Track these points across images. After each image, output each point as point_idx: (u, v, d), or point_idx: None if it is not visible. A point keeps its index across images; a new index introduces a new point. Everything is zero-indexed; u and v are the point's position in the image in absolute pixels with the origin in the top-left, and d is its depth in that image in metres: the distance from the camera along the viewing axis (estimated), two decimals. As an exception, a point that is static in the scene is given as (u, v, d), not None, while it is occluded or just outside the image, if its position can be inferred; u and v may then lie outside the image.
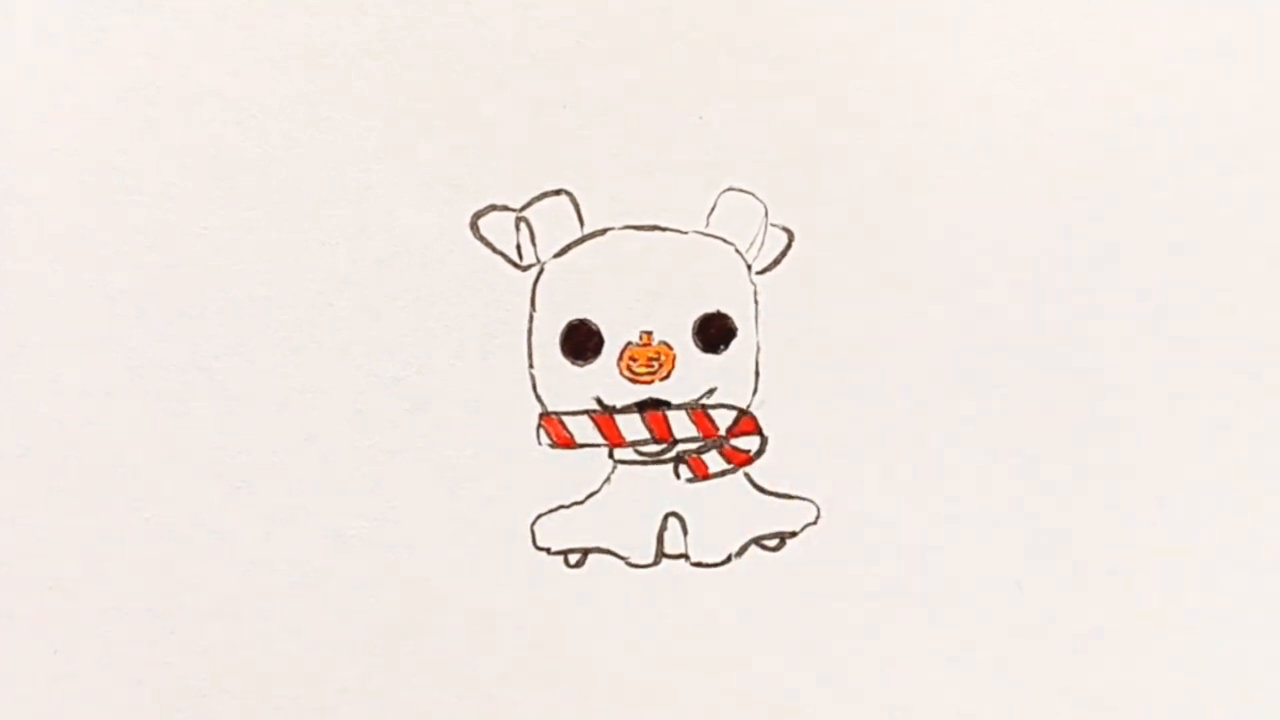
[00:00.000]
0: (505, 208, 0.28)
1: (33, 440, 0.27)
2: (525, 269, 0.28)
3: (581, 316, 0.28)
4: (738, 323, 0.28)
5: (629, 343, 0.28)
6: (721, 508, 0.28)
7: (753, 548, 0.28)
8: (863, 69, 0.28)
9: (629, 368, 0.28)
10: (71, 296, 0.27)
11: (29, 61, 0.27)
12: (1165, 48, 0.29)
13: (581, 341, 0.28)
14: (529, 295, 0.28)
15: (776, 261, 0.28)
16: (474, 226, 0.28)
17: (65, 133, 0.27)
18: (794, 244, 0.28)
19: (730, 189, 0.28)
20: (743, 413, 0.28)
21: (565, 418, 0.28)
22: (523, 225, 0.28)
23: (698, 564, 0.28)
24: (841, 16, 0.28)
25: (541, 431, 0.28)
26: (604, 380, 0.28)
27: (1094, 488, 0.29)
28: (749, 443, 0.29)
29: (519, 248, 0.28)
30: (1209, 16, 0.29)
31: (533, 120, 0.28)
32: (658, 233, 0.28)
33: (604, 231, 0.28)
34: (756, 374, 0.29)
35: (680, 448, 0.28)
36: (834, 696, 0.28)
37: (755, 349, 0.29)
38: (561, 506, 0.28)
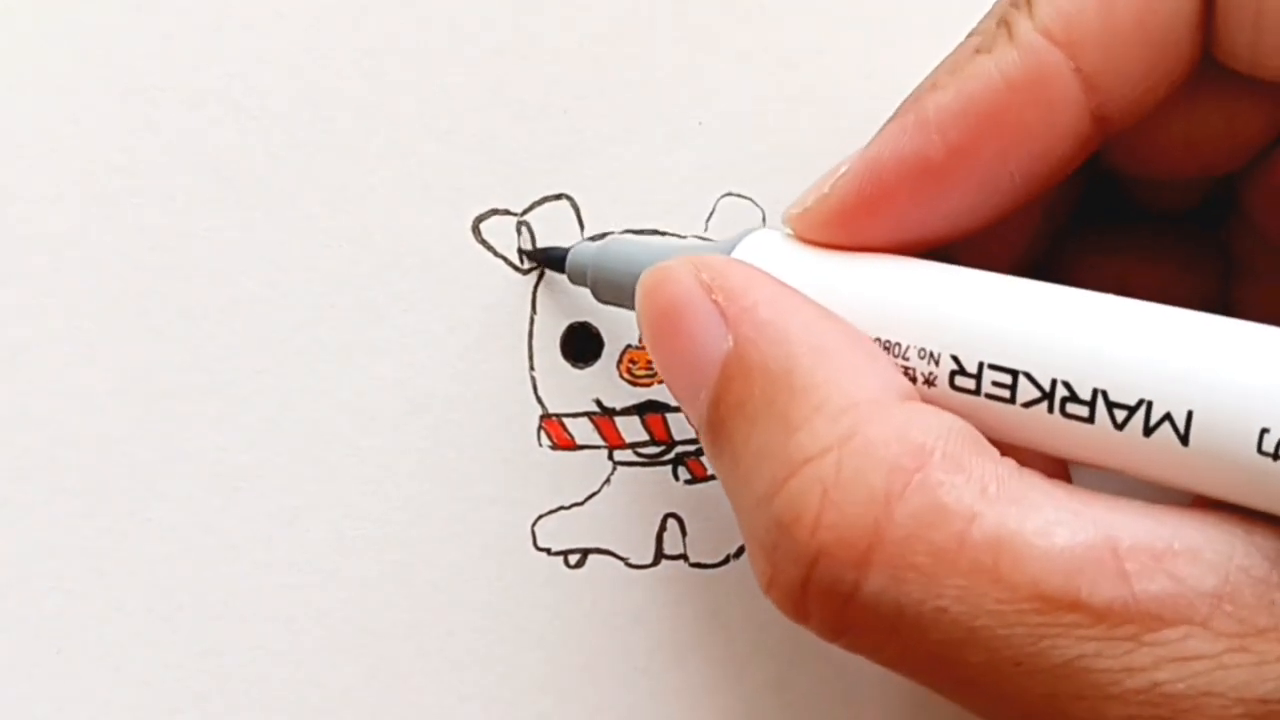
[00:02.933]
0: (507, 212, 0.28)
1: (33, 440, 0.27)
2: (526, 272, 0.28)
3: (582, 319, 0.28)
4: (736, 326, 0.29)
5: (628, 346, 0.29)
6: (720, 509, 0.29)
7: (751, 548, 0.29)
8: (862, 75, 0.29)
9: (629, 370, 0.29)
10: (72, 296, 0.27)
11: (29, 61, 0.27)
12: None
13: (582, 344, 0.28)
14: (530, 298, 0.28)
15: (775, 266, 0.29)
16: (475, 230, 0.28)
17: (65, 133, 0.27)
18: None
19: (729, 194, 0.29)
20: (740, 415, 0.29)
21: (566, 419, 0.28)
22: (524, 229, 0.28)
23: (696, 564, 0.29)
24: (841, 22, 0.29)
25: (542, 433, 0.28)
26: (604, 383, 0.29)
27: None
28: (746, 445, 0.29)
29: (520, 251, 0.28)
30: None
31: (534, 125, 0.28)
32: (657, 237, 0.29)
33: (604, 236, 0.28)
34: (754, 377, 0.29)
35: (679, 449, 0.29)
36: (833, 697, 0.29)
37: (753, 352, 0.29)
38: (562, 507, 0.28)
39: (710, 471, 0.29)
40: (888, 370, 0.20)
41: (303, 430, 0.28)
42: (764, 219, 0.29)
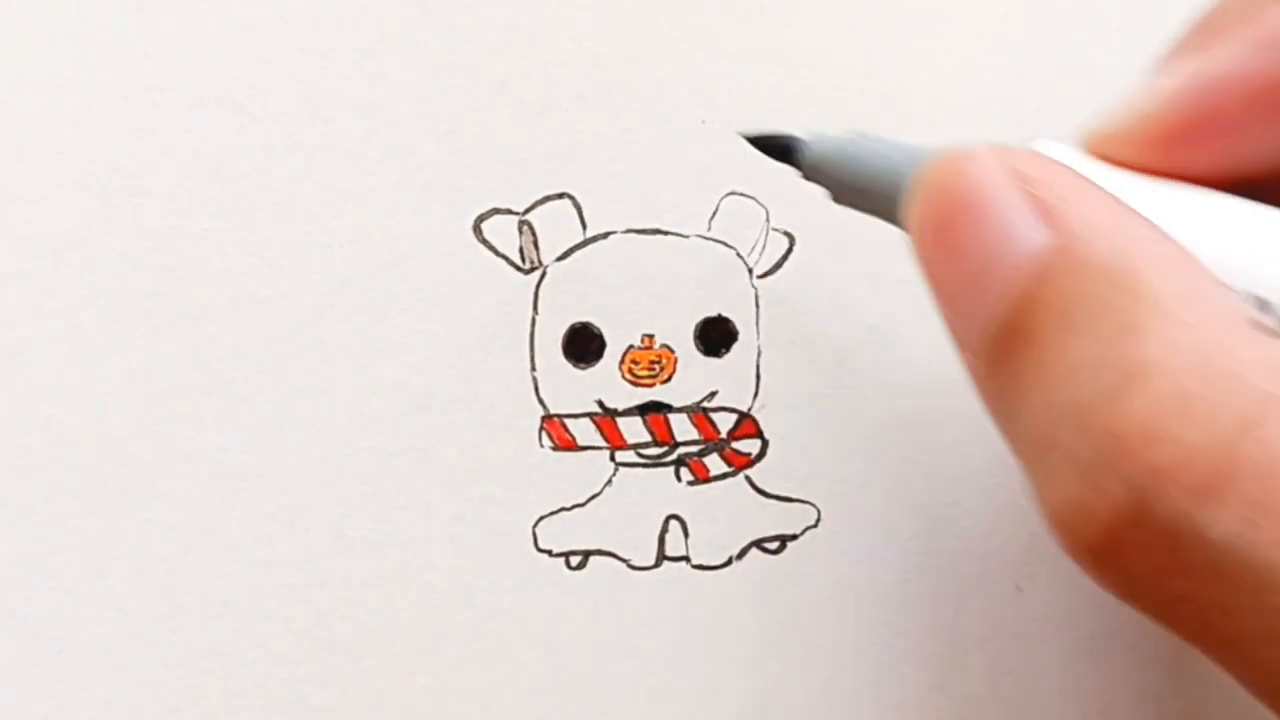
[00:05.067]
0: (508, 211, 0.28)
1: (33, 440, 0.27)
2: (528, 272, 0.28)
3: (584, 320, 0.28)
4: (739, 326, 0.29)
5: (631, 346, 0.28)
6: (722, 510, 0.29)
7: (753, 550, 0.29)
8: (865, 73, 0.29)
9: (631, 371, 0.28)
10: (73, 297, 0.27)
11: (29, 61, 0.27)
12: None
13: (584, 344, 0.28)
14: (531, 298, 0.28)
15: (778, 265, 0.29)
16: (477, 230, 0.28)
17: (66, 133, 0.27)
18: (795, 248, 0.29)
19: (732, 193, 0.29)
20: (743, 416, 0.29)
21: (567, 420, 0.28)
22: (525, 228, 0.28)
23: (699, 566, 0.28)
24: (844, 21, 0.28)
25: (544, 434, 0.28)
26: (606, 383, 0.28)
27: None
28: (749, 446, 0.29)
29: (521, 251, 0.28)
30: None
31: (535, 124, 0.28)
32: (660, 236, 0.28)
33: (606, 235, 0.28)
34: (757, 377, 0.29)
35: (681, 450, 0.29)
36: (834, 698, 0.28)
37: (756, 352, 0.29)
38: (563, 509, 0.28)
39: (713, 472, 0.29)
40: (1233, 297, 0.18)
41: (303, 430, 0.27)
42: (768, 217, 0.28)
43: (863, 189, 0.23)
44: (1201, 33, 0.21)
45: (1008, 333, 0.18)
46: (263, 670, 0.28)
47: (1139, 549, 0.16)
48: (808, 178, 0.24)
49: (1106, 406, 0.17)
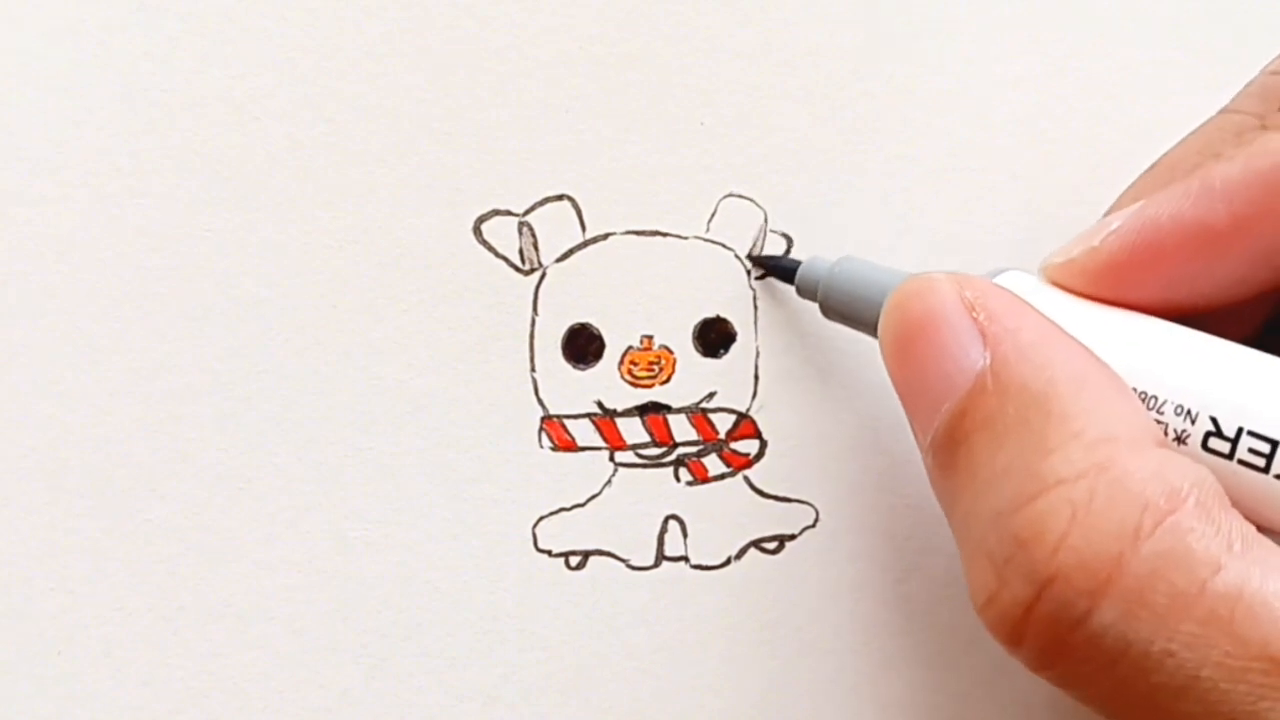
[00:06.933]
0: (508, 212, 0.28)
1: (34, 441, 0.27)
2: (527, 273, 0.28)
3: (583, 320, 0.28)
4: (737, 327, 0.29)
5: (630, 347, 0.28)
6: (721, 510, 0.29)
7: (752, 550, 0.29)
8: (864, 75, 0.29)
9: (630, 371, 0.28)
10: (74, 298, 0.27)
11: (31, 61, 0.27)
12: (1171, 56, 0.29)
13: (583, 345, 0.28)
14: (531, 299, 0.28)
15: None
16: (477, 231, 0.28)
17: (68, 134, 0.27)
18: (793, 249, 0.29)
19: (731, 195, 0.29)
20: (742, 416, 0.29)
21: (567, 421, 0.28)
22: (525, 230, 0.28)
23: (697, 566, 0.29)
24: (843, 23, 0.28)
25: (543, 434, 0.28)
26: (605, 384, 0.28)
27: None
28: (748, 446, 0.29)
29: (521, 252, 0.28)
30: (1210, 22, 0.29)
31: (535, 125, 0.28)
32: (659, 238, 0.28)
33: (606, 236, 0.28)
34: (756, 378, 0.29)
35: (680, 451, 0.29)
36: (833, 698, 0.29)
37: (755, 353, 0.29)
38: (563, 509, 0.28)
39: (712, 473, 0.29)
40: (1144, 415, 0.21)
41: (303, 430, 0.28)
42: (766, 219, 0.29)
43: (843, 309, 0.26)
44: (1150, 179, 0.25)
45: (948, 440, 0.21)
46: (263, 670, 0.28)
47: (1037, 634, 0.19)
48: (801, 295, 0.27)
49: (1015, 513, 0.19)
